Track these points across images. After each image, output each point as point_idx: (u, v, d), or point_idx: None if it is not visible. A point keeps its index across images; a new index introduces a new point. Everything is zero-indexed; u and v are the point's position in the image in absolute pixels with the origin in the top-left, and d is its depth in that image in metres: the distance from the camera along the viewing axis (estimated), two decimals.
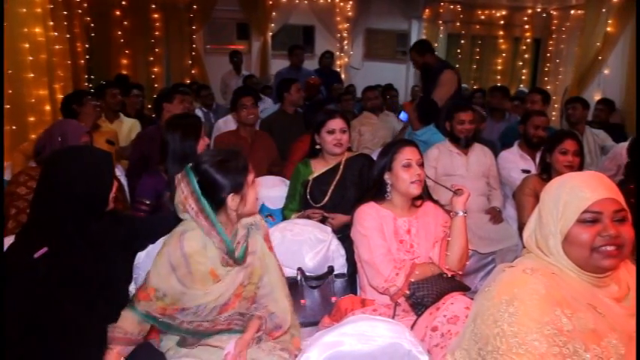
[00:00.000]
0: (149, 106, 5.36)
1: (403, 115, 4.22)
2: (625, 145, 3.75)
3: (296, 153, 3.41)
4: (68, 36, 4.88)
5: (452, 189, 2.14)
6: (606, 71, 6.72)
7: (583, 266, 1.25)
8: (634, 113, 5.40)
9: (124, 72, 6.69)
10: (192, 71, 7.67)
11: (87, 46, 5.89)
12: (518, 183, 3.26)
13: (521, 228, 3.01)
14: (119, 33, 6.90)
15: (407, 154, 2.12)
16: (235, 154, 1.77)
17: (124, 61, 6.93)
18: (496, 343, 1.19)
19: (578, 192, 1.25)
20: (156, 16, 7.22)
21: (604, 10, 6.57)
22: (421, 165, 2.15)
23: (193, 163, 1.73)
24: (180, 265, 1.70)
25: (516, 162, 3.54)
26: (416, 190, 2.10)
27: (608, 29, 6.50)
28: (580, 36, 7.13)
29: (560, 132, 3.10)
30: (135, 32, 7.04)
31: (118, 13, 6.87)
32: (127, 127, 4.32)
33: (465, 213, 2.09)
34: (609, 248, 1.22)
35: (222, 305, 1.74)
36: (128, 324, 1.71)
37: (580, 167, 2.79)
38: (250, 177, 1.74)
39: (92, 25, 6.33)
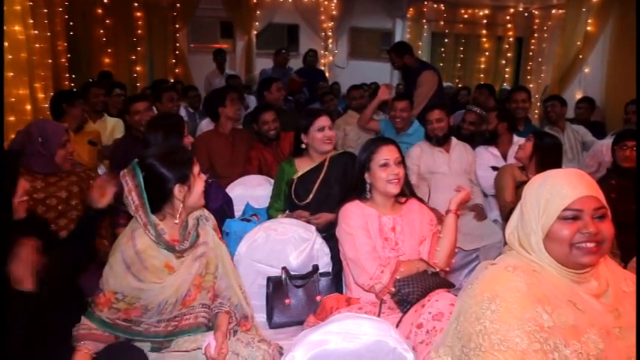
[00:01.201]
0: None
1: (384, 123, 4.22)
2: (605, 141, 3.81)
3: (252, 162, 3.46)
4: (49, 34, 4.79)
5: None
6: (586, 70, 6.82)
7: (564, 263, 1.26)
8: (614, 110, 5.48)
9: (107, 70, 6.62)
10: (176, 70, 7.61)
11: (67, 44, 5.80)
12: (482, 181, 3.45)
13: (502, 208, 3.07)
14: (101, 31, 6.81)
15: (384, 154, 2.13)
16: (180, 148, 1.85)
17: (106, 60, 6.85)
18: (479, 340, 1.20)
19: (559, 190, 1.26)
20: (138, 14, 7.15)
21: (584, 10, 6.68)
22: (400, 163, 2.15)
23: (139, 158, 1.76)
24: (134, 261, 1.72)
25: (487, 159, 3.59)
26: (393, 189, 2.11)
27: (588, 28, 6.61)
28: (561, 35, 7.24)
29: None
30: (117, 31, 6.97)
31: (99, 11, 6.78)
32: (110, 127, 4.29)
33: (458, 212, 2.11)
34: (589, 245, 1.23)
35: (184, 297, 1.76)
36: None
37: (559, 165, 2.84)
38: (196, 169, 1.80)
39: (73, 23, 6.23)
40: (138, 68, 7.19)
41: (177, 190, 1.74)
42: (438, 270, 2.07)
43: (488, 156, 3.60)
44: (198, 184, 1.81)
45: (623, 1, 6.11)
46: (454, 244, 2.10)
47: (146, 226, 1.72)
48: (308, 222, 2.57)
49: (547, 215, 1.27)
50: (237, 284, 1.93)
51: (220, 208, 2.73)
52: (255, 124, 3.63)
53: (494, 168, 3.38)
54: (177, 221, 1.78)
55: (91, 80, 5.41)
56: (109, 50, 6.89)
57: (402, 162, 2.18)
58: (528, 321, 1.17)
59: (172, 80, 7.14)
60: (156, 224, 1.74)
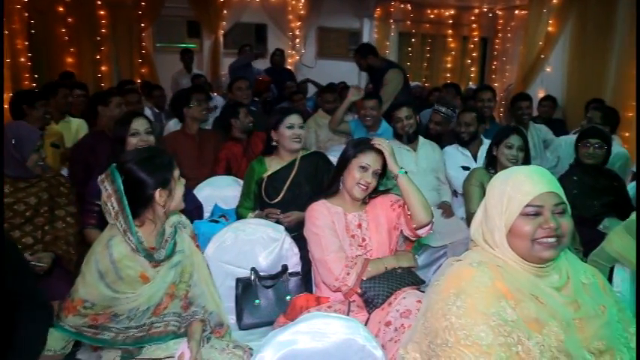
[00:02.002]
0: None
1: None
2: (566, 138, 3.92)
3: (220, 163, 3.44)
4: (7, 32, 4.65)
5: None
6: (548, 69, 7.00)
7: (526, 257, 1.30)
8: (574, 108, 5.64)
9: (70, 71, 6.44)
10: (142, 70, 7.47)
11: (27, 43, 5.63)
12: (454, 180, 3.44)
13: (468, 217, 3.10)
14: (63, 30, 6.62)
15: (368, 159, 2.13)
16: (159, 151, 1.80)
17: (70, 60, 6.66)
18: (445, 336, 1.21)
19: (521, 187, 1.29)
20: (102, 13, 6.98)
21: (545, 11, 6.85)
22: (377, 175, 2.15)
23: (118, 162, 1.71)
24: (108, 271, 1.67)
25: (456, 159, 3.63)
26: (358, 193, 2.13)
27: (549, 29, 6.78)
28: (524, 35, 7.41)
29: (506, 127, 3.21)
30: (80, 30, 6.78)
31: (60, 9, 6.59)
32: (75, 128, 4.19)
33: (404, 171, 2.09)
34: (550, 240, 1.27)
35: (156, 306, 1.73)
36: (52, 340, 1.67)
37: (525, 161, 2.89)
38: (176, 172, 1.76)
39: (33, 21, 6.05)
40: (103, 68, 7.02)
41: (158, 195, 1.70)
42: (409, 266, 2.10)
43: (458, 156, 3.65)
44: (179, 188, 1.77)
45: (582, 2, 6.30)
46: (420, 199, 2.06)
47: (126, 233, 1.67)
48: (278, 221, 2.56)
49: (510, 212, 1.30)
50: (213, 292, 1.89)
51: (189, 213, 2.69)
52: (234, 119, 3.62)
53: (465, 168, 3.43)
54: (157, 227, 1.75)
55: (54, 80, 5.25)
56: (72, 50, 6.70)
57: (382, 175, 2.19)
58: (493, 315, 1.20)
59: (139, 80, 7.03)
60: (136, 231, 1.69)
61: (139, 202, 1.70)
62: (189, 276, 1.82)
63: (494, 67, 8.84)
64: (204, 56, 7.99)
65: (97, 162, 3.00)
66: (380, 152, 2.15)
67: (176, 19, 8.03)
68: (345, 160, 2.17)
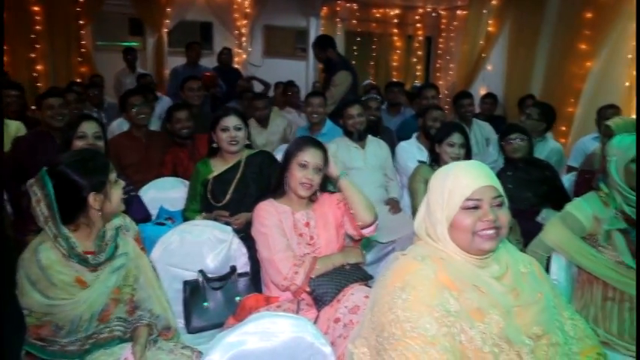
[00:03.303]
0: (33, 107, 4.94)
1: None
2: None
3: (166, 166, 3.37)
4: None
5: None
6: (489, 67, 7.24)
7: (467, 249, 1.34)
8: (513, 105, 5.86)
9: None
10: (82, 69, 7.18)
11: None
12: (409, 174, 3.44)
13: (415, 213, 3.16)
14: None
15: (306, 156, 2.14)
16: (94, 153, 1.76)
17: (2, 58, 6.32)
18: (391, 329, 1.23)
19: (460, 181, 1.33)
20: (36, 9, 6.66)
21: (485, 11, 7.09)
22: (319, 171, 2.16)
23: (50, 165, 1.65)
24: (39, 279, 1.60)
25: (413, 153, 3.72)
26: (303, 192, 2.14)
27: (489, 29, 7.02)
28: (465, 35, 7.63)
29: (448, 125, 3.29)
30: (12, 26, 6.43)
31: None
32: (13, 130, 3.96)
33: (345, 174, 2.16)
34: (489, 232, 1.31)
35: (101, 313, 1.68)
36: None
37: (467, 158, 2.98)
38: (112, 176, 1.71)
39: None
40: (38, 67, 6.69)
41: (92, 198, 1.64)
42: (357, 262, 2.12)
43: (414, 150, 3.73)
44: (116, 191, 1.71)
45: (519, 3, 6.56)
46: (363, 199, 2.13)
47: (56, 239, 1.61)
48: (227, 223, 2.53)
49: (450, 206, 1.33)
50: (160, 295, 1.85)
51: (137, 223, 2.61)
52: (169, 123, 3.53)
53: (421, 162, 3.50)
54: (93, 230, 1.70)
55: None
56: (5, 47, 6.36)
57: (322, 170, 2.19)
58: (437, 307, 1.23)
59: (78, 80, 6.75)
60: (67, 236, 1.63)
61: (72, 206, 1.64)
62: (134, 279, 1.78)
63: (438, 65, 9.05)
64: (148, 55, 7.78)
65: (36, 164, 2.85)
66: (319, 147, 2.17)
67: (117, 17, 7.76)
68: (285, 161, 2.18)
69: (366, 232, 2.13)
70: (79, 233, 1.68)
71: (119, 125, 4.38)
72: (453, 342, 1.21)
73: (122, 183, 1.76)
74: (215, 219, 2.56)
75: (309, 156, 2.14)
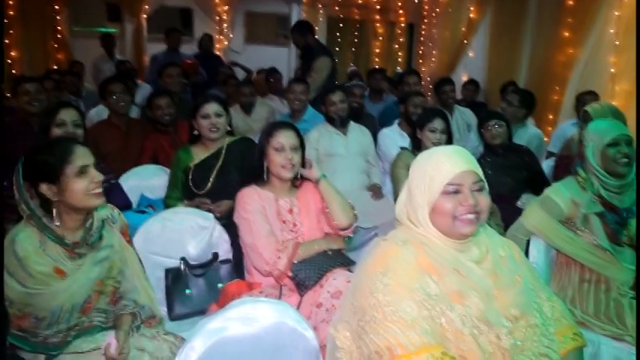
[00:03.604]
0: (8, 95, 4.83)
1: None
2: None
3: (145, 152, 3.34)
4: None
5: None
6: (470, 54, 7.27)
7: (447, 234, 1.35)
8: (495, 92, 5.89)
9: None
10: (58, 56, 7.02)
11: None
12: (391, 161, 3.45)
13: (395, 198, 3.19)
14: None
15: (279, 138, 2.14)
16: (56, 143, 1.71)
17: None
18: (373, 312, 1.24)
19: (441, 166, 1.34)
20: None
21: None
22: (296, 149, 2.17)
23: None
24: (17, 270, 1.57)
25: (395, 139, 3.73)
26: (286, 173, 2.13)
27: (471, 15, 7.03)
28: (447, 21, 7.63)
29: (430, 111, 3.31)
30: None
31: None
32: None
33: (324, 176, 2.19)
34: (469, 216, 1.32)
35: (83, 305, 1.66)
36: None
37: (448, 143, 3.00)
38: (71, 168, 1.61)
39: None
40: (12, 53, 6.52)
41: (46, 188, 1.61)
42: (339, 248, 2.13)
43: (396, 137, 3.74)
44: (77, 184, 1.61)
45: None
46: (342, 202, 2.15)
47: (30, 220, 1.61)
48: (209, 210, 2.52)
49: (432, 191, 1.34)
50: (146, 286, 1.85)
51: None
52: (149, 110, 3.48)
53: (403, 148, 3.51)
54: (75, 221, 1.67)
55: None
56: None
57: (301, 148, 2.20)
58: (417, 290, 1.24)
59: (55, 67, 6.61)
60: (46, 225, 1.62)
61: (38, 196, 1.62)
62: (118, 272, 1.76)
63: (420, 52, 9.04)
64: (127, 41, 7.64)
65: (14, 151, 2.80)
66: (290, 127, 2.20)
67: (94, 2, 7.61)
68: (261, 150, 2.18)
69: (342, 233, 2.14)
70: (64, 224, 1.65)
71: (98, 113, 4.31)
72: (433, 325, 1.22)
73: (94, 176, 1.66)
74: (197, 206, 2.54)
75: (283, 137, 2.14)
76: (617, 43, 4.78)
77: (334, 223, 2.12)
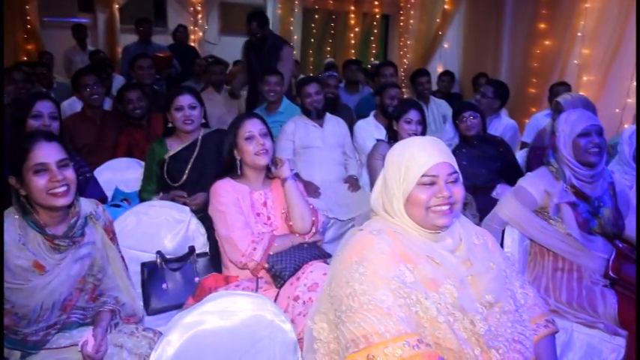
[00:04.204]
0: None
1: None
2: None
3: (120, 147, 3.29)
4: None
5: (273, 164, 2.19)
6: (446, 45, 7.31)
7: (422, 224, 1.36)
8: (470, 83, 5.95)
9: None
10: (28, 47, 6.84)
11: None
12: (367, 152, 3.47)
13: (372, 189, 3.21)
14: None
15: (248, 127, 2.14)
16: (26, 137, 1.65)
17: None
18: (349, 302, 1.25)
19: (417, 157, 1.35)
20: None
21: None
22: (266, 135, 2.17)
23: None
24: None
25: (371, 131, 3.74)
26: (262, 160, 2.13)
27: (446, 7, 7.06)
28: (422, 13, 7.65)
29: (405, 102, 3.32)
30: None
31: None
32: None
33: (295, 177, 2.17)
34: (443, 208, 1.34)
35: (63, 302, 1.64)
36: None
37: (423, 134, 3.02)
38: (28, 165, 1.57)
39: None
40: None
41: (14, 182, 1.59)
42: (315, 240, 2.13)
43: (372, 129, 3.74)
44: (34, 181, 1.57)
45: None
46: (302, 206, 2.13)
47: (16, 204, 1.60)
48: (185, 204, 2.49)
49: (407, 181, 1.35)
50: (127, 285, 1.83)
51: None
52: (120, 104, 3.43)
53: (380, 140, 3.52)
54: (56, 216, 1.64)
55: None
56: None
57: (269, 135, 2.20)
58: (393, 279, 1.25)
59: (25, 58, 6.44)
60: (28, 218, 1.60)
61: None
62: (99, 269, 1.74)
63: (396, 43, 9.06)
64: (99, 32, 7.48)
65: None
66: (254, 115, 2.23)
67: None
68: (231, 142, 2.17)
69: (298, 234, 2.14)
70: (47, 219, 1.63)
71: (71, 105, 4.23)
72: (408, 312, 1.24)
73: (54, 175, 1.59)
74: (172, 199, 2.52)
75: (251, 125, 2.15)
76: (587, 35, 4.87)
77: (291, 224, 2.13)
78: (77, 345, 1.61)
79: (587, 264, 2.12)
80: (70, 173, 1.63)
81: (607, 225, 2.14)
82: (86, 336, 1.61)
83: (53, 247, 1.63)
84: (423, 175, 1.33)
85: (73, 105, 4.17)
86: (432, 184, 1.34)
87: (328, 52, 9.16)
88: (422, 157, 1.34)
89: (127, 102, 3.35)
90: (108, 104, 4.28)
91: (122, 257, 1.89)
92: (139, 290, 2.20)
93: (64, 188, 1.60)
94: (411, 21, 8.56)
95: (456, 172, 1.37)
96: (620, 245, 2.20)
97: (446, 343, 1.24)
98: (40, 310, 1.59)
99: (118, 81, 5.42)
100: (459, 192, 1.36)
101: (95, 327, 1.65)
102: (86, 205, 1.78)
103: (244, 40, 4.81)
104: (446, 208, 1.34)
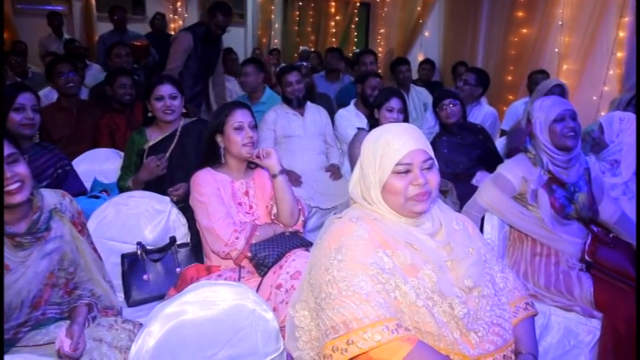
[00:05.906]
0: None
1: None
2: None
3: (102, 131, 3.25)
4: None
5: (259, 155, 2.12)
6: (426, 33, 7.33)
7: (400, 212, 1.37)
8: (450, 71, 5.98)
9: None
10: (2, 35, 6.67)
11: None
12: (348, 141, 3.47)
13: None
14: None
15: (238, 117, 2.12)
16: None
17: None
18: (328, 289, 1.26)
19: (391, 146, 1.35)
20: None
21: None
22: (254, 127, 2.17)
23: None
24: None
25: (352, 120, 3.74)
26: (247, 151, 2.12)
27: None
28: (403, 1, 7.65)
29: (386, 90, 3.32)
30: None
31: None
32: None
33: (282, 173, 2.13)
34: (420, 195, 1.34)
35: (34, 299, 1.59)
36: None
37: (404, 122, 3.03)
38: None
39: None
40: None
41: None
42: (296, 230, 2.14)
43: (352, 118, 3.74)
44: None
45: None
46: (292, 201, 2.13)
47: None
48: (166, 194, 2.47)
49: (382, 170, 1.35)
50: (101, 276, 1.78)
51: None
52: (110, 88, 3.38)
53: (360, 128, 3.53)
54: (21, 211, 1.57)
55: None
56: None
57: (256, 127, 2.20)
58: (371, 265, 1.26)
59: None
60: None
61: None
62: (70, 263, 1.68)
63: (377, 32, 9.04)
64: (76, 20, 7.32)
65: None
66: (243, 105, 2.19)
67: None
68: (216, 131, 2.15)
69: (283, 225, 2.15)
70: (8, 216, 1.56)
71: (46, 95, 4.13)
72: (387, 298, 1.25)
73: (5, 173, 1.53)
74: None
75: (241, 116, 2.13)
76: (566, 23, 4.92)
77: (274, 215, 2.14)
78: (54, 342, 1.57)
79: (564, 248, 2.17)
80: (21, 169, 1.54)
81: (582, 210, 2.19)
82: (60, 336, 1.55)
83: (15, 244, 1.57)
84: (397, 164, 1.33)
85: (48, 95, 4.08)
86: (407, 172, 1.34)
87: (310, 41, 9.10)
88: (396, 144, 1.34)
89: (119, 87, 3.32)
90: (85, 94, 4.21)
91: (94, 248, 1.83)
92: (119, 282, 2.18)
93: (16, 185, 1.52)
94: (390, 9, 8.56)
95: (430, 158, 1.37)
96: (596, 230, 2.25)
97: (425, 327, 1.26)
98: (8, 309, 1.54)
99: (95, 70, 5.33)
100: (434, 178, 1.37)
101: (71, 323, 1.60)
102: (50, 197, 1.70)
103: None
104: (423, 195, 1.34)
